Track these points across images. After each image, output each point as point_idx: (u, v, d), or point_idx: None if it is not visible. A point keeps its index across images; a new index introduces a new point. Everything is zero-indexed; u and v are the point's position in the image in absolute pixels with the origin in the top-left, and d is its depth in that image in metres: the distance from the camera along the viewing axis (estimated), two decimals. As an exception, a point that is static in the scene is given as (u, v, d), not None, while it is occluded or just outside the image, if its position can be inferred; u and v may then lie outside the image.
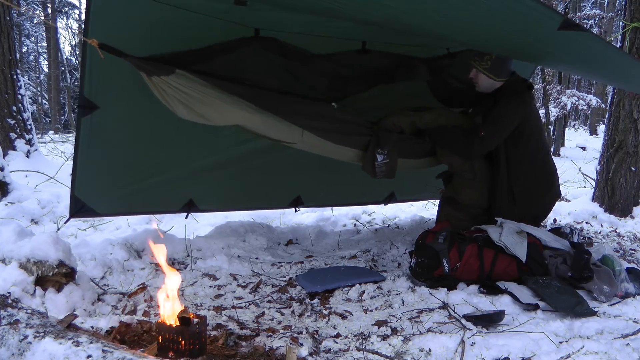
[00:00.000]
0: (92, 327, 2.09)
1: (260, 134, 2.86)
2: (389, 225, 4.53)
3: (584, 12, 15.81)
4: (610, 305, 2.55)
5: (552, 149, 11.62)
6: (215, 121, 2.63)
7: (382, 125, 3.15)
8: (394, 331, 2.20)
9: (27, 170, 6.01)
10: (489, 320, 2.27)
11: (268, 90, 2.90)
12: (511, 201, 3.19)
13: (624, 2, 5.53)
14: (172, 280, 1.89)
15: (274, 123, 2.76)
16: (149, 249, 3.17)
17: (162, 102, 2.53)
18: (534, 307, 2.45)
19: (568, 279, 2.70)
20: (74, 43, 29.36)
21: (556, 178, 3.32)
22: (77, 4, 28.28)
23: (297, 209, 4.13)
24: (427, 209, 5.41)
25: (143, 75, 2.46)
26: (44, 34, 26.35)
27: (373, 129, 3.06)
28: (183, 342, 1.78)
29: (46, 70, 27.82)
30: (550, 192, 3.30)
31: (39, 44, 29.00)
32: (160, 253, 1.96)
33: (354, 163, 3.19)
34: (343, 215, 4.86)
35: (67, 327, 1.86)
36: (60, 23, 28.18)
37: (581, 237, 3.45)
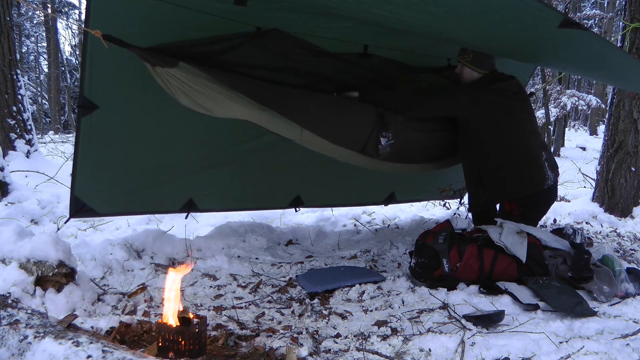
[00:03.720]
0: (92, 327, 2.09)
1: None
2: (389, 225, 4.53)
3: (584, 12, 15.81)
4: (610, 305, 2.56)
5: (552, 148, 11.61)
6: (216, 113, 2.66)
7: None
8: (394, 331, 2.20)
9: (27, 171, 6.00)
10: (489, 321, 2.27)
11: (270, 83, 2.90)
12: (480, 185, 3.25)
13: (624, 2, 5.53)
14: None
15: (274, 120, 2.79)
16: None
17: (165, 90, 2.54)
18: (534, 308, 2.45)
19: (568, 279, 2.70)
20: (74, 43, 29.38)
21: (539, 166, 3.20)
22: (77, 4, 28.32)
23: (297, 209, 4.13)
24: (427, 209, 5.41)
25: (147, 65, 2.46)
26: (44, 34, 26.34)
27: (377, 111, 3.05)
28: (183, 342, 1.79)
29: (46, 70, 27.84)
30: (524, 180, 3.18)
31: (39, 44, 29.00)
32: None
33: (349, 162, 3.23)
34: (343, 216, 4.86)
35: (67, 328, 1.86)
36: (60, 23, 28.22)
37: (584, 239, 3.44)
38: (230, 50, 2.80)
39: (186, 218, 3.80)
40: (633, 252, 3.76)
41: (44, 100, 27.07)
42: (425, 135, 3.35)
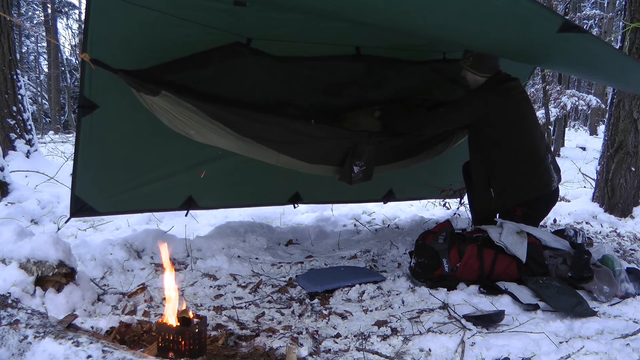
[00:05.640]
0: (92, 327, 2.09)
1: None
2: (389, 225, 4.53)
3: (584, 12, 15.79)
4: (610, 305, 2.55)
5: (552, 148, 11.60)
6: (195, 139, 2.79)
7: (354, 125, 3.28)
8: (394, 331, 2.20)
9: (27, 171, 6.00)
10: (489, 321, 2.27)
11: (252, 104, 2.97)
12: (487, 188, 3.21)
13: (624, 2, 5.53)
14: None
15: (251, 149, 2.90)
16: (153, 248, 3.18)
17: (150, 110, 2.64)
18: (534, 308, 2.45)
19: (568, 279, 2.70)
20: (74, 43, 29.34)
21: (546, 168, 3.22)
22: (77, 4, 28.30)
23: (296, 205, 4.13)
24: (427, 209, 5.41)
25: (132, 90, 2.54)
26: (44, 34, 26.34)
27: (351, 139, 3.08)
28: (183, 342, 1.79)
29: (46, 70, 27.82)
30: (534, 182, 3.20)
31: (39, 44, 28.98)
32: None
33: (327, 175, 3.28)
34: (343, 216, 4.86)
35: (67, 328, 1.86)
36: (60, 23, 28.19)
37: (585, 240, 3.42)
38: (218, 63, 2.88)
39: (186, 216, 3.80)
40: (633, 252, 3.76)
41: (44, 100, 27.06)
42: (395, 142, 3.36)
